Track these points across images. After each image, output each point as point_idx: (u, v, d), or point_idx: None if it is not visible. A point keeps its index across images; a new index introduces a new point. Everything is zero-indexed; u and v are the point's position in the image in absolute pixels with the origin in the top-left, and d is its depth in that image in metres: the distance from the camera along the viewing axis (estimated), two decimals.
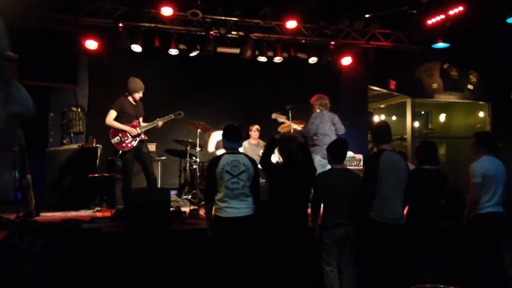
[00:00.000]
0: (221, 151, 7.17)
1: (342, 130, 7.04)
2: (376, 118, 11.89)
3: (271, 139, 4.67)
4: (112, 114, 6.46)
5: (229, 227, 4.24)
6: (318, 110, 7.00)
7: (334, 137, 6.75)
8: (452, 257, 5.17)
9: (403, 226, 4.42)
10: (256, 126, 8.25)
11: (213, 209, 4.34)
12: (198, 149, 7.82)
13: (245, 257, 4.29)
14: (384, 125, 4.69)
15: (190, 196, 7.65)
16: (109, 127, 6.49)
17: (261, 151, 7.85)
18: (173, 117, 6.85)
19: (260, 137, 8.34)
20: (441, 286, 3.05)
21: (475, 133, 5.08)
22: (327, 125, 6.86)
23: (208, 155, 7.90)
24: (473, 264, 4.92)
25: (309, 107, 7.30)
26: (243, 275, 4.26)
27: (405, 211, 4.59)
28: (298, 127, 7.35)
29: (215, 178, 4.26)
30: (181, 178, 8.26)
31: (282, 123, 7.65)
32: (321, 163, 6.44)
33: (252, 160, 4.42)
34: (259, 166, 4.56)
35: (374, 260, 4.38)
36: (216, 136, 7.60)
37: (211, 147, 7.79)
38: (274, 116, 7.59)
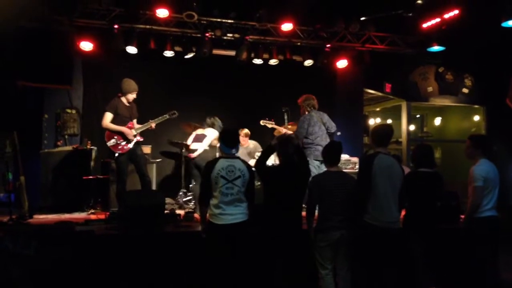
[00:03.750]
0: (197, 145, 7.17)
1: (333, 128, 6.94)
2: (372, 121, 11.91)
3: (268, 146, 4.68)
4: (108, 116, 6.44)
5: (224, 234, 4.22)
6: (306, 112, 6.91)
7: (325, 137, 6.73)
8: (448, 260, 5.17)
9: (399, 230, 4.41)
10: (245, 131, 8.21)
11: (208, 214, 4.32)
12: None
13: (240, 263, 4.27)
14: (387, 129, 4.62)
15: (185, 199, 7.62)
16: (105, 130, 6.46)
17: (256, 153, 7.90)
18: (167, 117, 6.82)
19: (254, 138, 8.32)
20: None
21: (470, 136, 5.03)
22: (317, 126, 6.75)
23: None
24: (468, 266, 4.92)
25: None
26: (238, 280, 4.24)
27: (402, 215, 4.58)
28: (290, 131, 7.26)
29: (210, 182, 4.23)
30: (176, 180, 8.21)
31: (273, 129, 7.65)
32: (313, 164, 6.42)
33: (247, 165, 4.40)
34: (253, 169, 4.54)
35: (369, 264, 4.37)
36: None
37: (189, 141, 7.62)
38: (262, 122, 7.59)
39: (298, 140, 6.63)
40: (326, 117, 6.94)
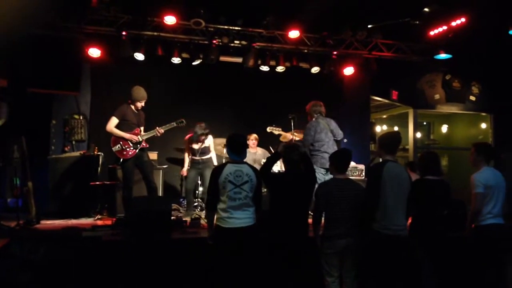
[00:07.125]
0: None
1: (340, 135, 6.89)
2: (378, 129, 11.89)
3: (274, 152, 4.68)
4: (113, 121, 6.45)
5: (231, 237, 4.21)
6: (313, 118, 6.86)
7: (332, 144, 6.70)
8: (455, 269, 5.13)
9: (406, 238, 4.39)
10: (254, 135, 8.24)
11: (215, 218, 4.32)
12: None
13: (247, 267, 4.26)
14: (395, 136, 4.63)
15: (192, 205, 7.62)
16: (110, 134, 6.48)
17: (262, 160, 7.90)
18: (175, 125, 6.81)
19: (261, 145, 8.33)
20: None
21: (474, 144, 5.04)
22: (323, 133, 6.67)
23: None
24: (475, 275, 4.88)
25: None
26: (244, 285, 4.23)
27: (408, 222, 4.56)
28: (297, 137, 7.27)
29: (218, 187, 4.23)
30: (182, 187, 8.22)
31: (279, 135, 7.66)
32: (319, 172, 6.39)
33: (255, 170, 4.39)
34: None
35: (376, 272, 4.35)
36: None
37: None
38: (269, 129, 7.61)
39: (304, 147, 6.65)
40: (333, 124, 6.87)
